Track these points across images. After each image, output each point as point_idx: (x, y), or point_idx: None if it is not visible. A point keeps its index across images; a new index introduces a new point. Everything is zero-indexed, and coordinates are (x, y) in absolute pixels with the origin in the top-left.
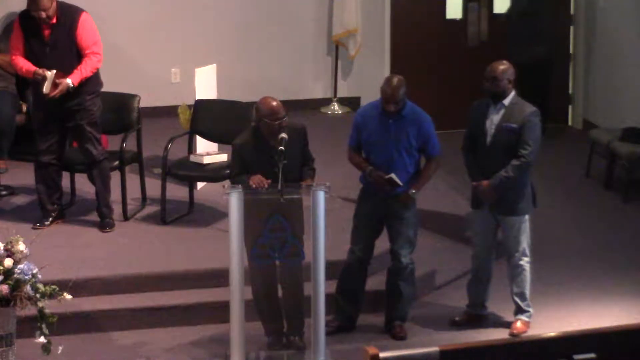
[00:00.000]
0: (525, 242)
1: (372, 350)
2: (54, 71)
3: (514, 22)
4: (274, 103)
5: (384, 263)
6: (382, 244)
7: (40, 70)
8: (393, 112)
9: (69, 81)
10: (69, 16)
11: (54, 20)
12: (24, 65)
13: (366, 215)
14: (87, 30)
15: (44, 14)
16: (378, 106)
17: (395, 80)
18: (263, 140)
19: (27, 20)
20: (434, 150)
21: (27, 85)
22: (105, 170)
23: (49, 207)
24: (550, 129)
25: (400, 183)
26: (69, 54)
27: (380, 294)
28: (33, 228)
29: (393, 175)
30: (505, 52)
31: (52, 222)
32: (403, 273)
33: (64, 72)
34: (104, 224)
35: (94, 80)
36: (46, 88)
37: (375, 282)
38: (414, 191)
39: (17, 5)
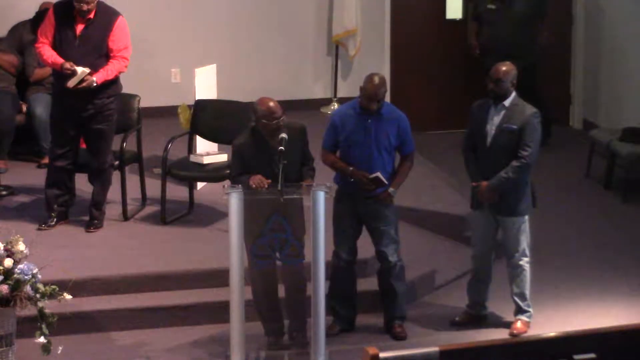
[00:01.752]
0: (525, 243)
1: (372, 350)
2: (88, 70)
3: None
4: (271, 103)
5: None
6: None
7: (68, 65)
8: (373, 111)
9: (94, 79)
10: (107, 16)
11: (91, 16)
12: (51, 56)
13: (346, 217)
14: (122, 34)
15: (85, 7)
16: (355, 106)
17: (377, 78)
18: (263, 141)
19: (63, 11)
20: (409, 148)
21: (27, 85)
22: (108, 178)
23: (55, 208)
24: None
25: (385, 182)
26: (96, 52)
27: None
28: (39, 229)
29: (379, 174)
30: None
31: (56, 223)
32: (393, 272)
33: (89, 68)
34: (91, 224)
35: (115, 83)
36: (72, 82)
37: (374, 282)
38: (393, 190)
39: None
